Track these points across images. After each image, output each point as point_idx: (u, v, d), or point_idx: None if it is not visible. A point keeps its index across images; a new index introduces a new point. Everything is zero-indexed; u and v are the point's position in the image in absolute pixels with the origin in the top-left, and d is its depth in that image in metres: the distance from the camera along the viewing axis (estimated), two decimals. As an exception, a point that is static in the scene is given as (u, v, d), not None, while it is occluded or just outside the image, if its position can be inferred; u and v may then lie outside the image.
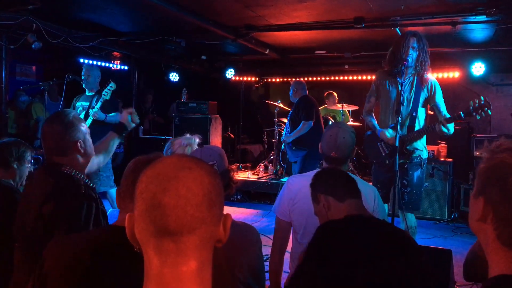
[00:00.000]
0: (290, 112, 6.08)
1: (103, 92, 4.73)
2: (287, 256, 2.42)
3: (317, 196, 1.85)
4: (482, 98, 3.20)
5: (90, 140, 2.09)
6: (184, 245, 0.84)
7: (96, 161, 2.33)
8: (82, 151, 2.00)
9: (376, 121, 3.69)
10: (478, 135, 6.28)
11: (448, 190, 5.94)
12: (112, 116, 4.79)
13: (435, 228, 5.70)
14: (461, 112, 3.27)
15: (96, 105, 4.73)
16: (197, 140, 2.32)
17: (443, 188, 5.96)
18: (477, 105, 3.20)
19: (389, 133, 3.49)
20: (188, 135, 2.42)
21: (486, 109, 3.17)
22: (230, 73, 8.45)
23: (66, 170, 1.93)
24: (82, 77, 4.95)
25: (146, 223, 0.85)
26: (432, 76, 3.57)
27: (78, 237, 1.42)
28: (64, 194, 1.85)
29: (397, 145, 3.15)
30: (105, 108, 4.77)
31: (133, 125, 2.74)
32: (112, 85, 4.76)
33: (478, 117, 3.21)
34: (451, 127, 3.33)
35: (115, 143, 2.57)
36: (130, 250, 1.22)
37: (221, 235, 0.92)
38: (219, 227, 0.91)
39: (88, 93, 5.02)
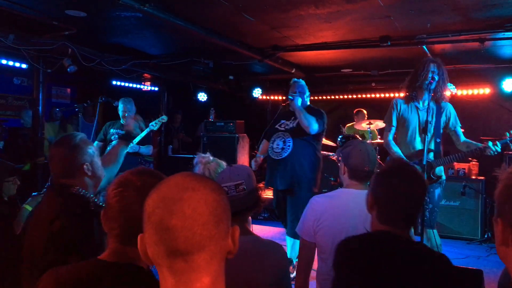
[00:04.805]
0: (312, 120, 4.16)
1: (152, 123, 4.89)
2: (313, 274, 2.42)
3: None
4: None
5: (99, 162, 2.07)
6: (195, 263, 0.88)
7: (107, 176, 2.26)
8: (89, 173, 1.98)
9: (401, 151, 3.65)
10: (511, 152, 6.12)
11: (480, 209, 5.79)
12: (144, 148, 4.97)
13: (468, 248, 5.56)
14: (497, 142, 3.28)
15: (141, 134, 4.85)
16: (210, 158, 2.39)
17: (475, 207, 5.82)
18: None
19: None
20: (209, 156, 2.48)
21: None
22: (257, 92, 8.56)
23: (75, 190, 1.91)
24: (120, 112, 5.06)
25: (158, 245, 0.88)
26: (446, 100, 3.64)
27: (65, 270, 1.32)
28: (72, 212, 1.81)
29: (424, 163, 3.14)
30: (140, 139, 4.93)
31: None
32: (164, 118, 4.94)
33: None
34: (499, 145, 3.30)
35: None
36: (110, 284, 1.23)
37: (230, 247, 0.95)
38: (227, 240, 0.94)
39: (123, 122, 5.12)
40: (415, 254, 1.62)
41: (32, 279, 1.70)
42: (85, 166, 1.96)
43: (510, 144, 3.25)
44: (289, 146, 4.08)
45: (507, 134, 3.27)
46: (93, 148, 2.05)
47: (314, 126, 4.01)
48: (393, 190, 1.71)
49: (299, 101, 4.13)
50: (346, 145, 2.56)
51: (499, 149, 3.27)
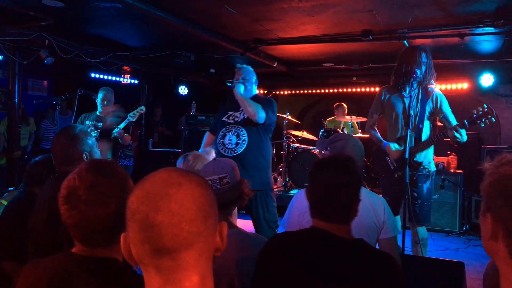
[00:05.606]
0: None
1: (131, 114, 4.81)
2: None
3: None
4: (485, 106, 3.21)
5: (98, 152, 2.24)
6: (183, 261, 0.84)
7: None
8: None
9: (379, 135, 3.74)
10: (488, 146, 6.25)
11: (459, 202, 5.90)
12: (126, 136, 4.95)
13: (446, 240, 5.65)
14: (465, 121, 3.27)
15: (119, 125, 4.77)
16: (213, 153, 2.36)
17: (453, 200, 5.92)
18: (480, 113, 3.22)
19: (394, 146, 3.55)
20: (195, 152, 2.45)
21: (489, 116, 3.19)
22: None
23: None
24: (99, 100, 4.94)
25: (143, 243, 0.84)
26: (436, 88, 3.60)
27: (43, 264, 1.31)
28: None
29: (407, 156, 3.15)
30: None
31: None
32: (142, 108, 4.90)
33: (482, 125, 3.23)
34: (463, 133, 3.28)
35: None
36: (85, 278, 1.21)
37: (218, 244, 0.92)
38: (215, 237, 0.91)
39: (99, 114, 5.01)
40: (347, 252, 1.52)
41: (37, 256, 1.82)
42: (84, 155, 2.13)
43: (477, 121, 3.22)
44: (244, 141, 3.51)
45: (474, 111, 3.25)
46: (93, 139, 2.22)
47: (261, 114, 3.49)
48: (317, 182, 1.63)
49: (241, 88, 3.63)
50: (335, 139, 2.51)
51: (464, 135, 3.26)
